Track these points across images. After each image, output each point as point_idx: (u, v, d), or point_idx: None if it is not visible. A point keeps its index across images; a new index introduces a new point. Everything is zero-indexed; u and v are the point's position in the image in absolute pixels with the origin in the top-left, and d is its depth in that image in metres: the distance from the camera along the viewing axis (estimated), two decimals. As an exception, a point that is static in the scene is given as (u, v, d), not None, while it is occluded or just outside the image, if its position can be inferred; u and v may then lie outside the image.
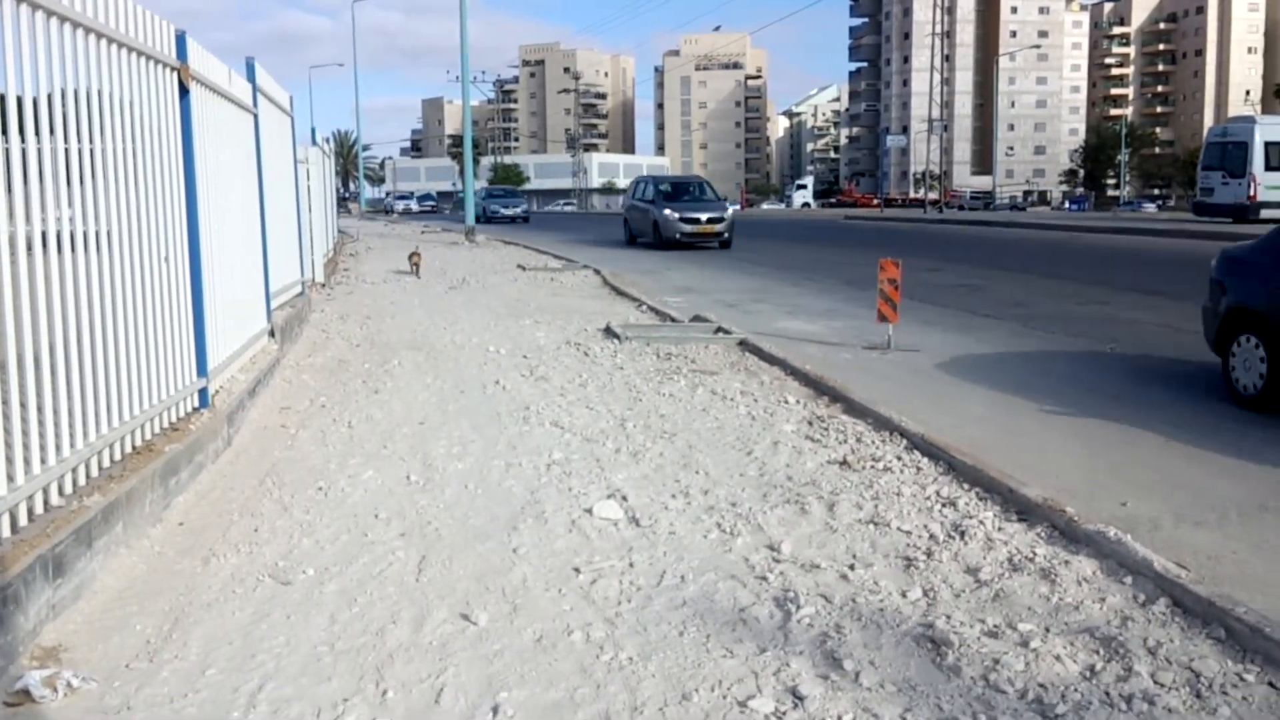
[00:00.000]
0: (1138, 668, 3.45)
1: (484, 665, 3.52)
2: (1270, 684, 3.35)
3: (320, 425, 7.01)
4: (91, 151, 4.83)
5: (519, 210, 50.25)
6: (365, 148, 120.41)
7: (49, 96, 4.37)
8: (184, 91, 6.24)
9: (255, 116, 8.95)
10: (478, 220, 39.84)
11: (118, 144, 5.14)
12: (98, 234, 4.91)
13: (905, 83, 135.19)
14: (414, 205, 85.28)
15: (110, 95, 5.05)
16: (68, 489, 4.40)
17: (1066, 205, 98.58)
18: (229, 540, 4.75)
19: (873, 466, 5.85)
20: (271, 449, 6.42)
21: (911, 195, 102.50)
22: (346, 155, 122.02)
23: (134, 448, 5.19)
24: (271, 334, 9.22)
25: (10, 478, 3.91)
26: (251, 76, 8.88)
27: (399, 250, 25.94)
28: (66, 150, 4.56)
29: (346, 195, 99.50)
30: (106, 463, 4.84)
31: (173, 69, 6.09)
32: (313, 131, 19.63)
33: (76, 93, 4.65)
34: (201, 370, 6.32)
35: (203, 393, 6.33)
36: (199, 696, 3.30)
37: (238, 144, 8.12)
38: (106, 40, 4.98)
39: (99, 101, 4.90)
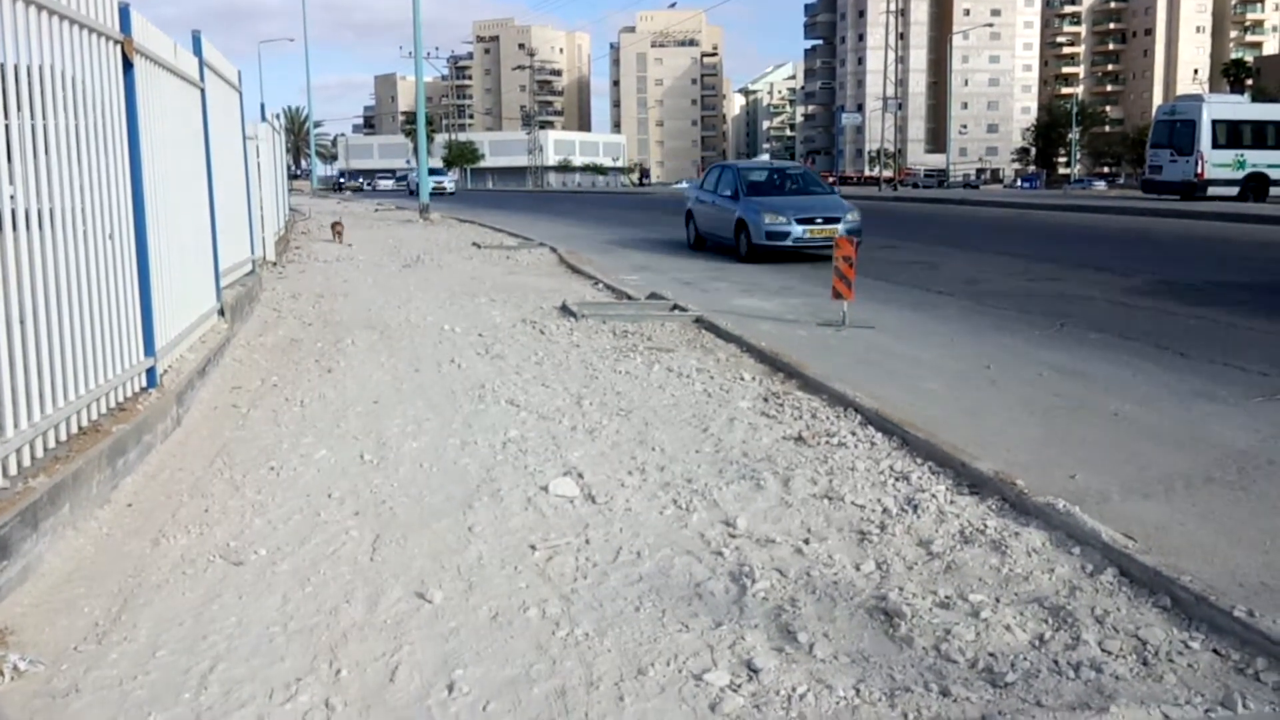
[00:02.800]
0: (1086, 636, 3.51)
1: (439, 643, 3.51)
2: (1215, 651, 3.42)
3: (272, 404, 6.94)
4: (33, 128, 4.71)
5: (846, 223, 16.68)
6: (317, 124, 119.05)
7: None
8: (128, 65, 6.11)
9: (202, 91, 8.79)
10: (718, 244, 18.57)
11: (59, 119, 5.02)
12: (40, 211, 4.80)
13: (860, 61, 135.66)
14: (449, 184, 64.17)
15: (51, 69, 4.93)
16: (12, 470, 4.31)
17: (1019, 183, 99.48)
18: (179, 521, 4.69)
19: (827, 442, 5.89)
20: (222, 429, 6.34)
21: (866, 173, 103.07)
22: (298, 132, 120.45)
23: (80, 428, 5.10)
24: (221, 313, 9.09)
25: (-49, 459, 3.83)
26: (198, 50, 8.72)
27: (352, 229, 25.69)
28: (6, 126, 4.45)
29: (298, 173, 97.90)
30: (52, 443, 4.75)
31: (116, 42, 5.96)
32: (262, 108, 19.37)
33: (16, 68, 4.54)
34: (149, 349, 6.22)
35: (150, 372, 6.23)
36: (149, 678, 3.26)
37: (184, 119, 7.97)
38: (47, 12, 4.85)
39: (39, 76, 4.78)
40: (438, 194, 56.30)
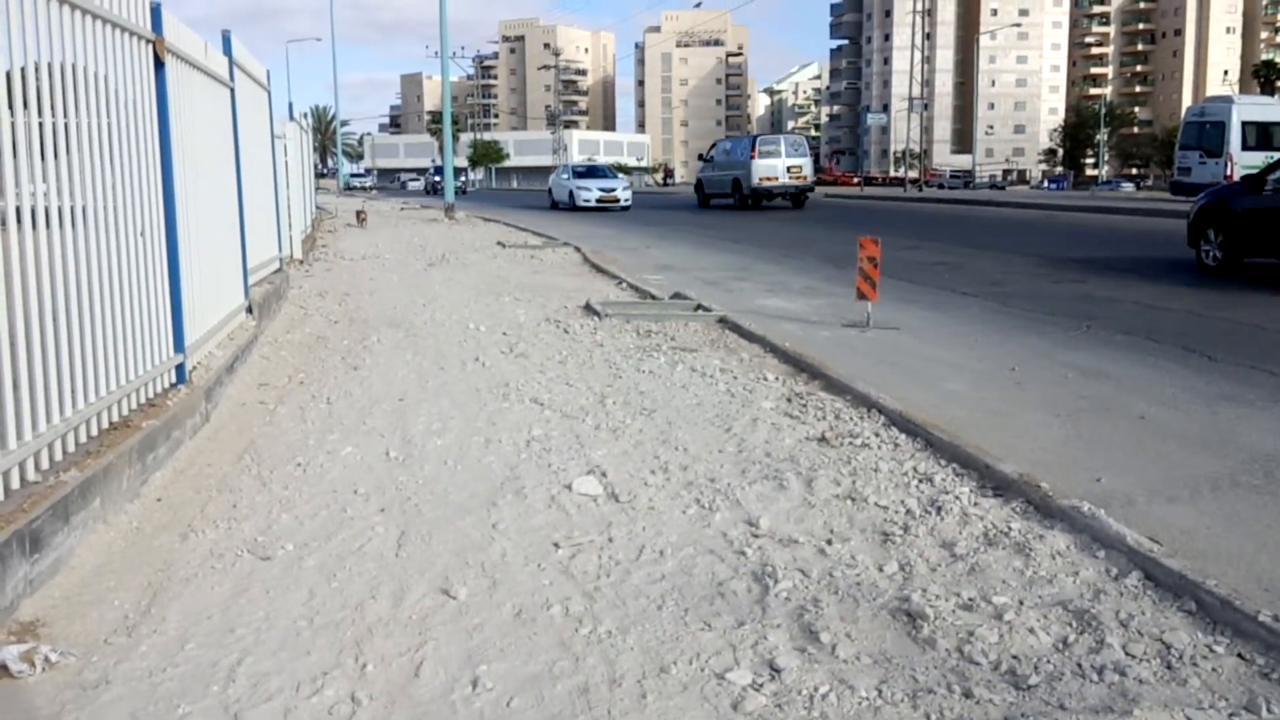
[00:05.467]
0: (1109, 640, 3.50)
1: (463, 639, 3.54)
2: (1240, 655, 3.40)
3: (299, 401, 6.99)
4: (66, 126, 4.78)
5: None
6: (344, 123, 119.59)
7: (21, 70, 4.33)
8: (159, 65, 6.18)
9: (232, 91, 8.87)
10: None
11: (92, 118, 5.09)
12: (73, 209, 4.87)
13: (886, 61, 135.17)
14: (622, 192, 36.84)
15: (84, 69, 5.00)
16: (44, 464, 4.38)
17: (1045, 184, 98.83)
18: (207, 516, 4.74)
19: (851, 443, 5.88)
20: (250, 425, 6.40)
21: (892, 174, 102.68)
22: (325, 131, 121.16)
23: (111, 423, 5.16)
24: (249, 310, 9.17)
25: (-14, 453, 3.89)
26: (228, 50, 8.80)
27: (378, 228, 25.86)
28: (40, 125, 4.51)
29: (324, 172, 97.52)
30: (83, 438, 4.82)
31: (148, 42, 6.03)
32: (290, 107, 19.54)
33: (50, 66, 4.60)
34: (179, 346, 6.29)
35: (180, 369, 6.30)
36: (178, 670, 3.31)
37: (214, 119, 8.05)
38: (81, 12, 4.92)
39: (73, 75, 4.85)
40: (606, 207, 35.67)
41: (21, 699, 3.13)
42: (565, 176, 38.76)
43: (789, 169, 34.21)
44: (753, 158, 33.86)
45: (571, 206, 36.41)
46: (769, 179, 33.75)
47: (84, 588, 3.93)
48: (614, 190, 36.37)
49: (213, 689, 3.20)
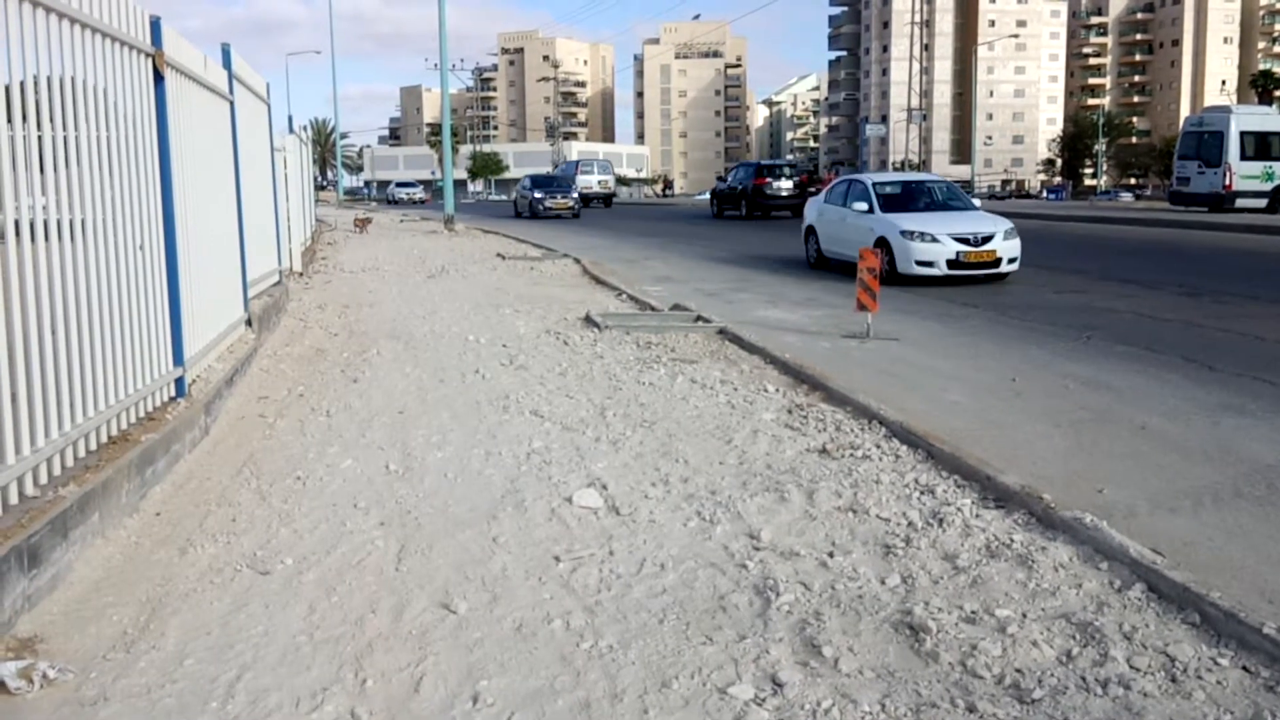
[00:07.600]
0: (1113, 653, 3.48)
1: (464, 654, 3.52)
2: (1244, 668, 3.38)
3: (298, 414, 6.98)
4: (65, 139, 4.78)
5: None
6: (343, 136, 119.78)
7: (21, 84, 4.33)
8: (159, 78, 6.18)
9: (231, 104, 8.87)
10: None
11: (92, 131, 5.09)
12: (72, 222, 4.86)
13: (885, 72, 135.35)
14: (1005, 241, 14.87)
15: (84, 82, 5.00)
16: (43, 479, 4.36)
17: (1044, 194, 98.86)
18: (206, 530, 4.72)
19: (852, 454, 5.87)
20: (249, 438, 6.39)
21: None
22: (324, 143, 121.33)
23: (110, 437, 5.15)
24: (249, 323, 9.16)
25: (-16, 468, 3.87)
26: (228, 63, 8.81)
27: (377, 240, 25.87)
28: (40, 138, 4.51)
29: (324, 184, 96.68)
30: (82, 453, 4.81)
31: (147, 55, 6.03)
32: (290, 119, 19.53)
33: (50, 80, 4.60)
34: (178, 359, 6.28)
35: (179, 382, 6.29)
36: (176, 687, 3.29)
37: (214, 132, 8.05)
38: (80, 26, 4.92)
39: (72, 88, 4.85)
40: (970, 275, 14.40)
41: (19, 716, 3.11)
42: (862, 206, 16.40)
43: (599, 182, 52.55)
44: (578, 174, 51.33)
45: (886, 274, 13.11)
46: (587, 188, 50.07)
47: (82, 603, 3.91)
48: (990, 240, 15.13)
49: (211, 705, 3.18)
